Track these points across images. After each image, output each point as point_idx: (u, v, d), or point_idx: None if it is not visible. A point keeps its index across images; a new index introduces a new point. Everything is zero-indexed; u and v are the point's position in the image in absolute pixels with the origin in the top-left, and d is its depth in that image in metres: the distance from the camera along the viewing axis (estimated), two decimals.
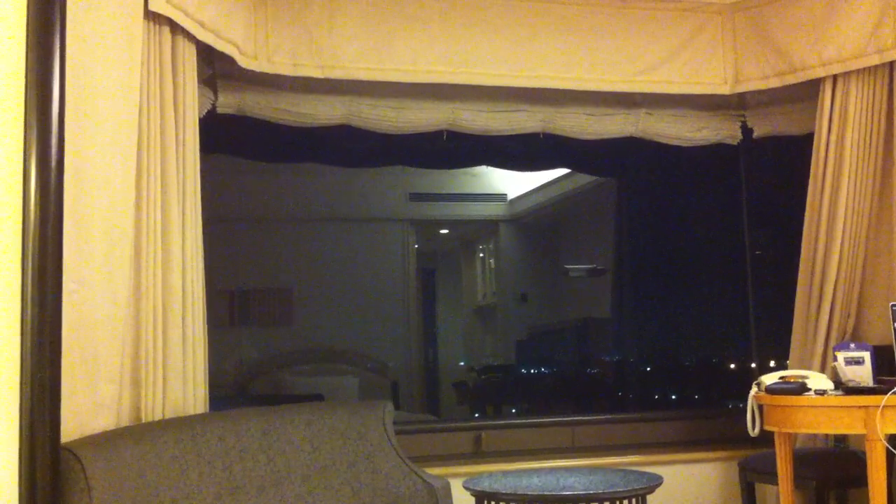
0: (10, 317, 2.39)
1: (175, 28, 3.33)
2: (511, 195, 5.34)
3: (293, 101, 4.14)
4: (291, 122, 4.17)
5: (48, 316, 2.50)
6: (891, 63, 4.06)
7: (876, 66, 4.08)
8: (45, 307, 2.47)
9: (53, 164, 2.54)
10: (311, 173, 4.94)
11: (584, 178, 5.38)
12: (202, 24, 3.45)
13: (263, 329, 4.84)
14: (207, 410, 3.37)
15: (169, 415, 3.15)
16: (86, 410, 2.74)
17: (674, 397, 5.24)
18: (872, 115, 4.12)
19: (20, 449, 2.36)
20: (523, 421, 4.79)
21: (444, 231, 5.50)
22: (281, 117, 4.15)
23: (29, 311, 2.42)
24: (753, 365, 4.90)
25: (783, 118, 4.60)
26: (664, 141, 4.59)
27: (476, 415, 5.07)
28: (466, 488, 3.52)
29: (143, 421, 3.06)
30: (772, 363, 4.66)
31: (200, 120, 3.53)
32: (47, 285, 2.50)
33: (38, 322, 2.43)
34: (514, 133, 4.44)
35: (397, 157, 4.91)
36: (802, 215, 4.26)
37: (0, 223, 2.39)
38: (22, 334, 2.39)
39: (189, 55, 3.42)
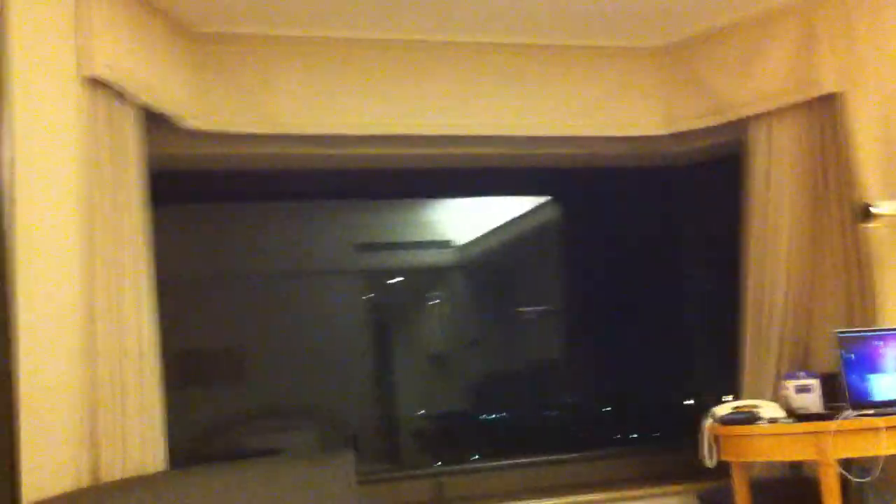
0: None
1: (114, 92, 3.31)
2: (459, 241, 5.38)
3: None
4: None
5: (3, 380, 2.48)
6: (818, 98, 4.13)
7: (802, 103, 4.17)
8: (0, 371, 2.46)
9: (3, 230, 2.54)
10: (257, 229, 4.92)
11: (531, 222, 5.43)
12: (141, 88, 3.45)
13: (217, 389, 4.78)
14: (168, 469, 3.34)
15: (129, 474, 3.11)
16: (45, 472, 2.71)
17: (635, 436, 5.25)
18: (802, 148, 4.20)
19: None
20: (483, 465, 4.79)
21: (393, 280, 5.51)
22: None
23: None
24: (709, 397, 4.95)
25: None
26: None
27: (439, 462, 5.04)
28: None
29: (103, 481, 3.02)
30: (730, 397, 4.71)
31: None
32: (0, 349, 2.49)
33: None
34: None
35: (347, 193, 4.94)
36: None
37: None
38: None
39: (130, 117, 3.41)
